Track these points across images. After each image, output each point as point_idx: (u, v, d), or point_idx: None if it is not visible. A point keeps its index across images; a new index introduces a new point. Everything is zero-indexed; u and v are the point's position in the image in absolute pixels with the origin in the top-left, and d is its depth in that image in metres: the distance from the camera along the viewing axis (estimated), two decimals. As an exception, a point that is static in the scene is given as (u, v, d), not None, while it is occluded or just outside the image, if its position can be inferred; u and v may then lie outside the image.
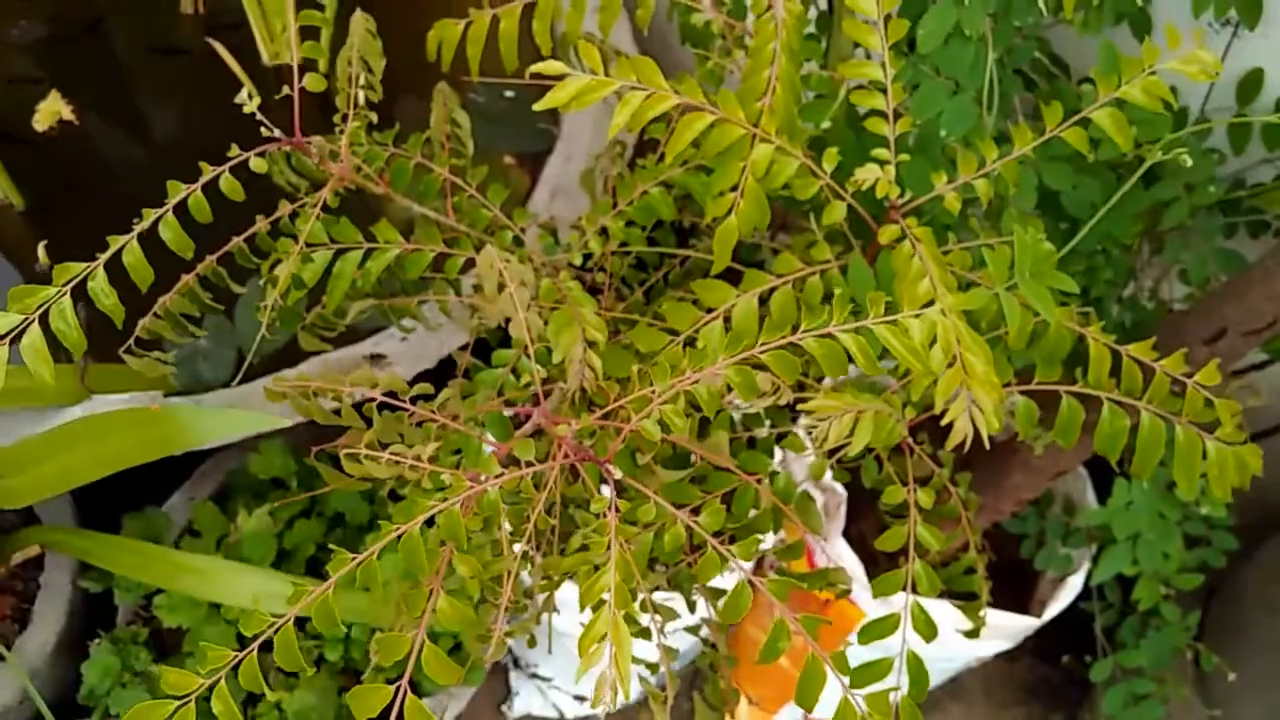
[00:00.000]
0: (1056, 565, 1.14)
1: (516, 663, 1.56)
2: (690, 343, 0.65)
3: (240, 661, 0.54)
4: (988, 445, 0.54)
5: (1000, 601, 1.20)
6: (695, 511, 0.62)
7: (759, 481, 0.61)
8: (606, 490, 0.55)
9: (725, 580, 0.85)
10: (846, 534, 1.16)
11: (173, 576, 0.95)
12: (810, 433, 0.53)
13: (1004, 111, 0.94)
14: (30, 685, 1.13)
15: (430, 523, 0.48)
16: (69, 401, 1.06)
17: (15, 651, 1.15)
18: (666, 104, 0.63)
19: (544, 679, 1.52)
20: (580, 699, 1.53)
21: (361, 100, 0.75)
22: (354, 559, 0.47)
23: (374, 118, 0.73)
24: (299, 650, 0.60)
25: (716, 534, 0.57)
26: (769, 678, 1.44)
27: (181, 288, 0.72)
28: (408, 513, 0.47)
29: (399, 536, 0.47)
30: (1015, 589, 1.25)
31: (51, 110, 1.25)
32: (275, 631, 0.54)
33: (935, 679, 1.41)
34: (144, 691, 1.14)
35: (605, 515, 0.47)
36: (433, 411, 0.59)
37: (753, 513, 0.61)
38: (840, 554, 1.06)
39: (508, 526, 0.50)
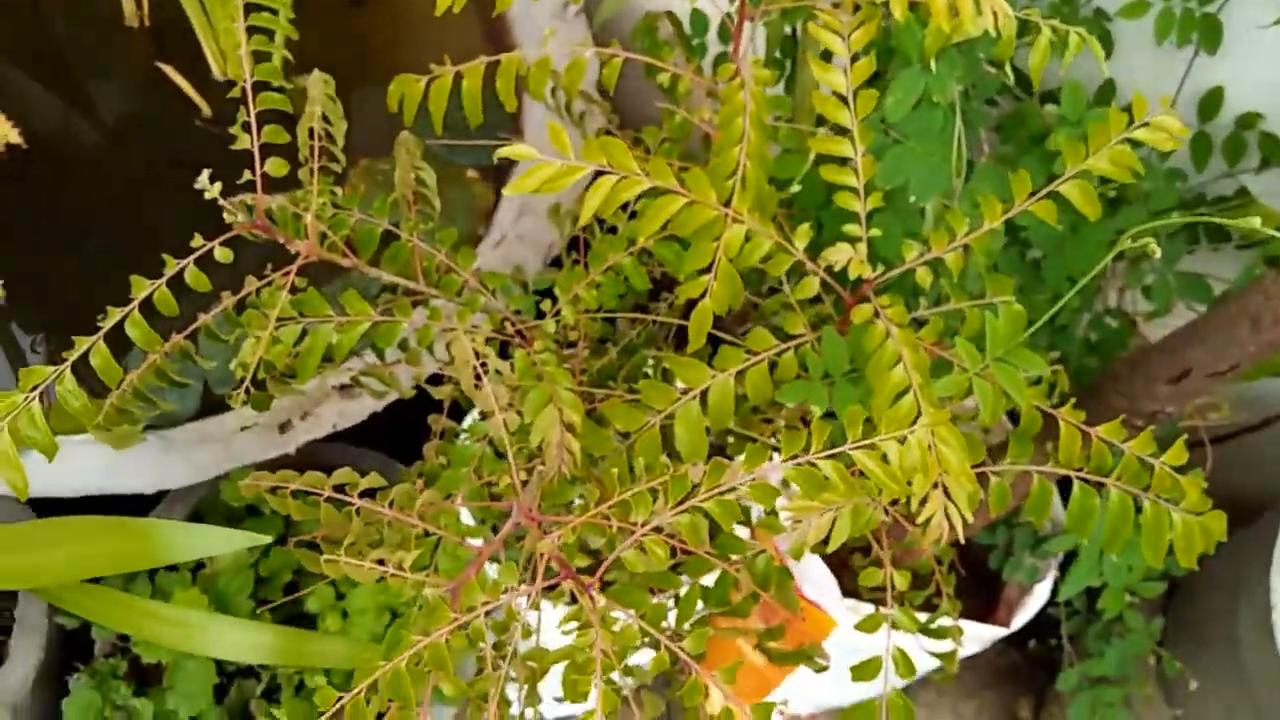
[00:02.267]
0: (1024, 575, 1.17)
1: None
2: (669, 419, 0.65)
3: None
4: (962, 539, 0.55)
5: (969, 606, 1.23)
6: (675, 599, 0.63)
7: (737, 569, 0.62)
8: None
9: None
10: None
11: (150, 627, 0.95)
12: (789, 522, 0.54)
13: (971, 146, 0.94)
14: (10, 722, 1.13)
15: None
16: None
17: (-7, 689, 1.15)
18: (637, 188, 0.62)
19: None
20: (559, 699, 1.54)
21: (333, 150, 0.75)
22: (340, 699, 0.48)
23: (339, 192, 0.72)
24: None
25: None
26: (740, 672, 1.46)
27: (149, 366, 0.71)
28: (394, 648, 0.48)
29: (384, 673, 0.47)
30: (984, 593, 1.28)
31: (-2, 134, 1.22)
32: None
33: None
34: (125, 724, 1.15)
35: (587, 638, 0.48)
36: (408, 513, 0.59)
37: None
38: (810, 565, 1.08)
39: (491, 643, 0.51)
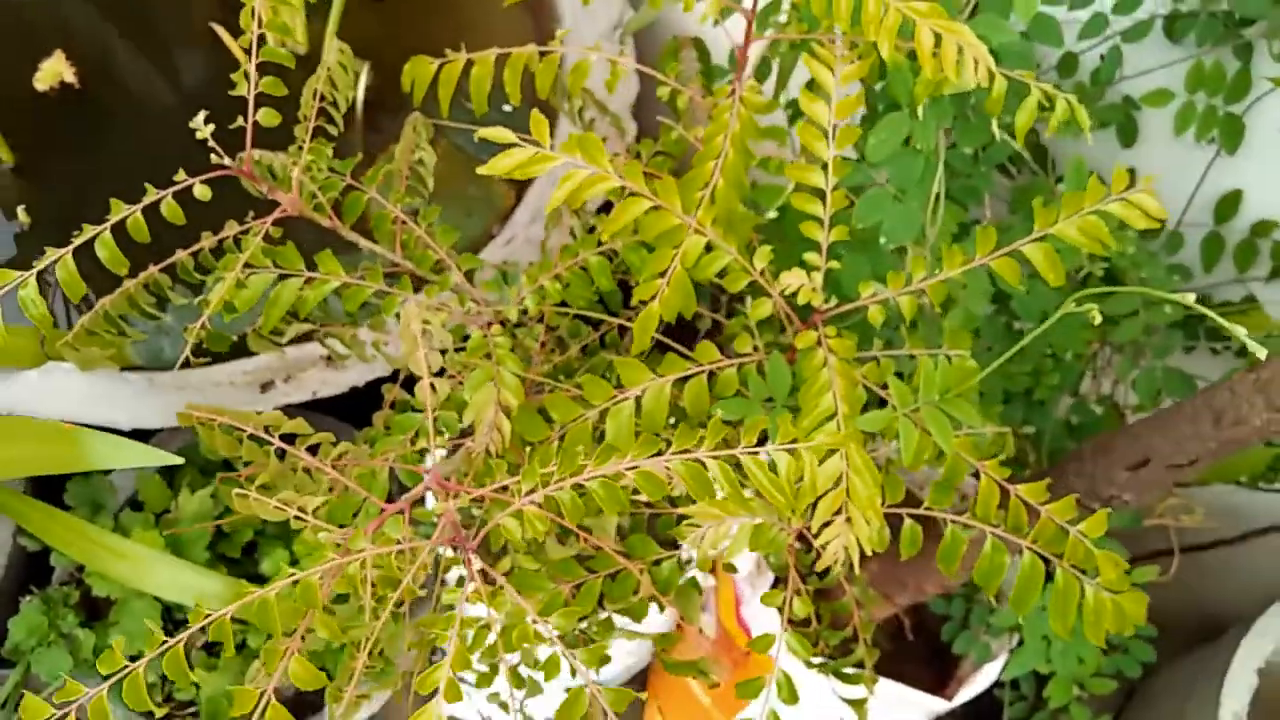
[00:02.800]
0: (976, 652, 1.15)
1: (448, 663, 1.58)
2: (603, 416, 0.66)
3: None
4: (857, 570, 0.55)
5: (922, 676, 1.21)
6: (579, 587, 0.63)
7: (641, 571, 0.62)
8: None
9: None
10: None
11: (104, 559, 0.97)
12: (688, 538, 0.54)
13: (975, 205, 0.94)
14: (-42, 634, 1.15)
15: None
16: (28, 364, 1.08)
17: (-51, 598, 1.17)
18: (605, 185, 0.64)
19: (471, 683, 1.54)
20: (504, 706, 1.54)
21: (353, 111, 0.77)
22: (208, 617, 0.49)
23: (329, 152, 0.74)
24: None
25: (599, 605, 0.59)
26: (687, 710, 1.45)
27: (122, 293, 0.73)
28: (275, 573, 0.49)
29: (251, 600, 0.49)
30: (940, 665, 1.26)
31: (54, 71, 1.26)
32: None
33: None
34: (66, 653, 1.16)
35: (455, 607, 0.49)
36: (326, 463, 0.61)
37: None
38: (756, 612, 1.07)
39: (370, 596, 0.52)
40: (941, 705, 1.16)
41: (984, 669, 1.17)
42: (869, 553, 0.56)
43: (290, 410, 1.15)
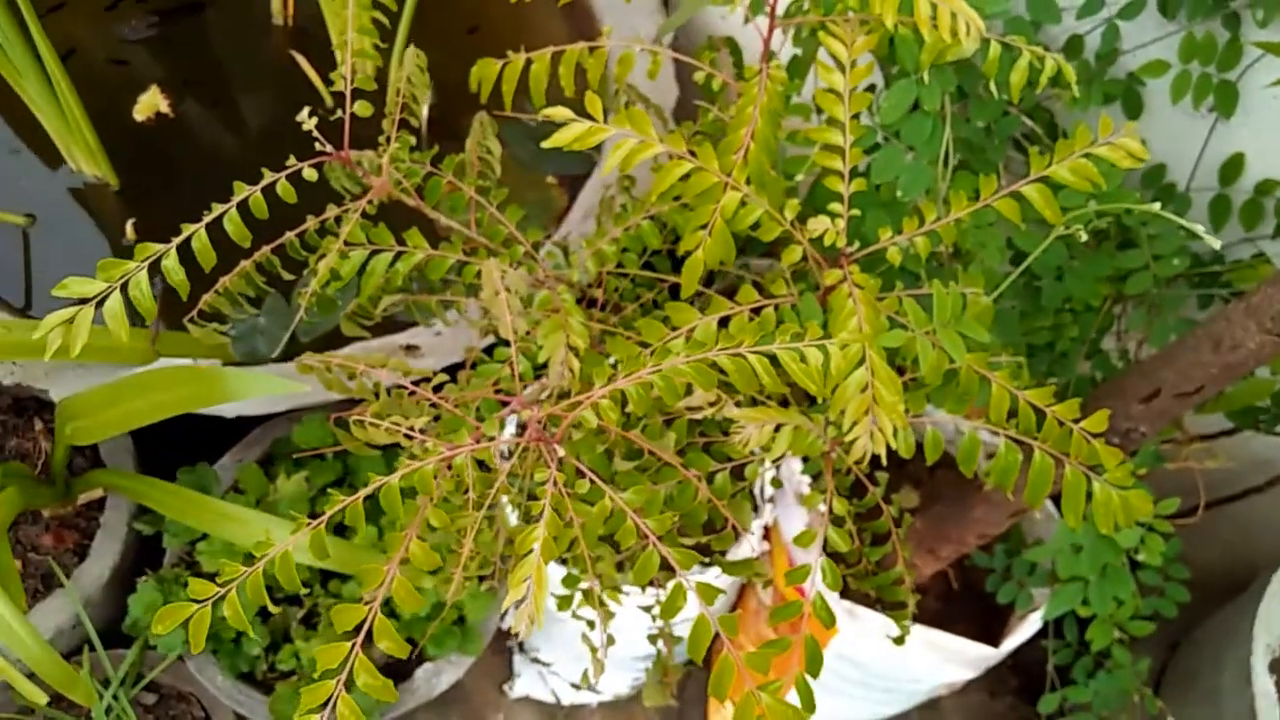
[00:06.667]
0: (1020, 602, 1.22)
1: (521, 647, 1.67)
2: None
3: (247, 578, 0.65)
4: (884, 462, 0.64)
5: (969, 633, 1.28)
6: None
7: (699, 479, 0.71)
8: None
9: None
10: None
11: (216, 523, 1.08)
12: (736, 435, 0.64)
13: (989, 173, 1.03)
14: (83, 612, 1.27)
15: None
16: (140, 362, 1.21)
17: (73, 581, 1.29)
18: (651, 151, 0.74)
19: (544, 664, 1.63)
20: (577, 686, 1.63)
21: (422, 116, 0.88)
22: (343, 501, 0.59)
23: (412, 140, 0.85)
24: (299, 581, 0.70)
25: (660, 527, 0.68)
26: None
27: (239, 271, 0.84)
28: (392, 470, 0.59)
29: (379, 487, 0.59)
30: (987, 623, 1.33)
31: (150, 103, 1.40)
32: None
33: (905, 701, 1.49)
34: (180, 626, 1.27)
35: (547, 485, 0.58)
36: (432, 393, 0.71)
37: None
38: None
39: (473, 491, 0.62)
40: (990, 653, 1.23)
41: (1028, 619, 1.24)
42: (893, 445, 0.65)
43: (374, 397, 1.27)
